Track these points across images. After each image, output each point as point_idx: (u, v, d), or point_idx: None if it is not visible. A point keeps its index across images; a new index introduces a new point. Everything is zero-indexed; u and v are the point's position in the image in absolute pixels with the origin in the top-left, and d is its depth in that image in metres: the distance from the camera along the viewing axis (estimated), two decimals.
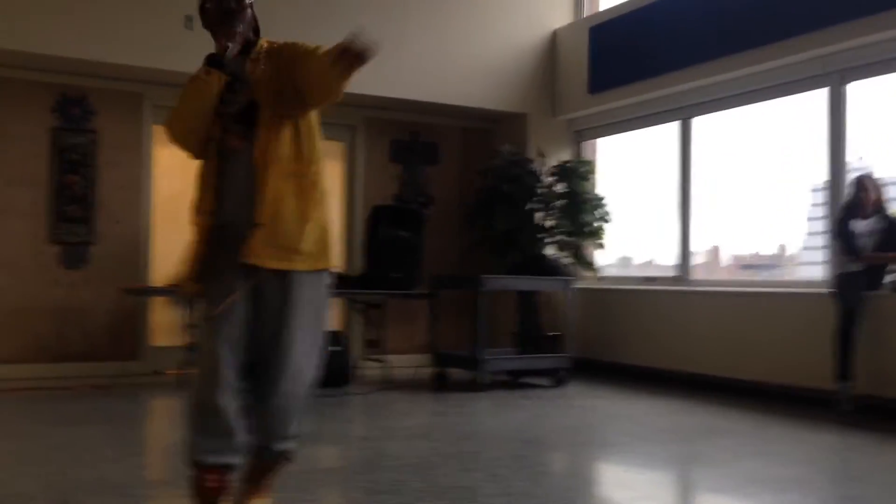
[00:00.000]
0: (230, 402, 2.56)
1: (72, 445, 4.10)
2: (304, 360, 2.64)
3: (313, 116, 2.77)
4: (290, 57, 2.70)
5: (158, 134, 7.15)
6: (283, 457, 2.73)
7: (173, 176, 7.41)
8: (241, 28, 2.69)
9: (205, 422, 2.57)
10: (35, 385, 6.04)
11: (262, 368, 2.63)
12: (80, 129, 6.81)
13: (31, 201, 6.64)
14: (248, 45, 2.74)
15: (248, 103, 2.67)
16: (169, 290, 6.46)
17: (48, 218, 6.68)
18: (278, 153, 2.63)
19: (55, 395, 5.76)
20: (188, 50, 6.54)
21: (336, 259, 2.77)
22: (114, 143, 6.92)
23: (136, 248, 6.95)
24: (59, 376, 6.43)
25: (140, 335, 6.97)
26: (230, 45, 2.63)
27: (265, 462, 2.73)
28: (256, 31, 2.80)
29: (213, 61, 2.64)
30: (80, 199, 6.78)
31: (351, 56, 2.51)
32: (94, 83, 6.85)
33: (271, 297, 2.61)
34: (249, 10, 2.76)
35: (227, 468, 2.60)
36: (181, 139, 2.72)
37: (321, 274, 2.70)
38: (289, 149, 2.66)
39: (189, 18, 6.59)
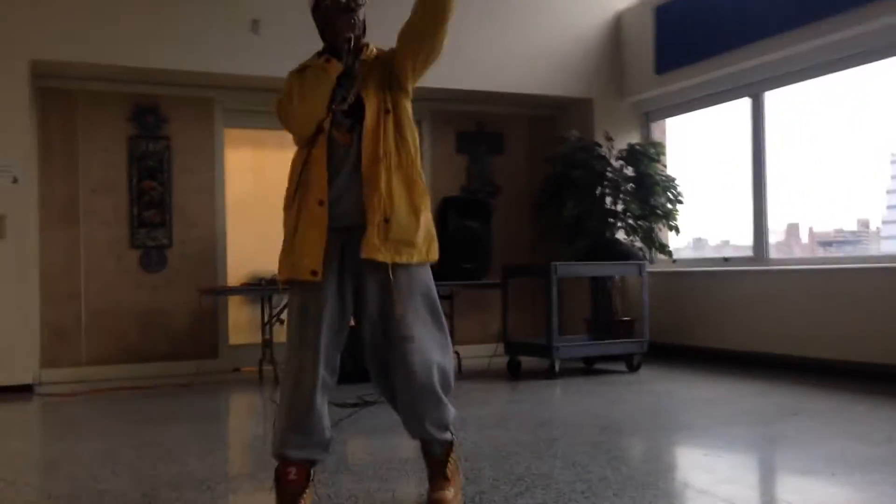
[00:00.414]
0: (321, 400, 2.65)
1: (158, 442, 4.24)
2: (429, 350, 2.69)
3: (408, 109, 2.83)
4: (397, 48, 2.79)
5: (229, 137, 7.33)
6: (441, 446, 2.79)
7: (244, 179, 7.60)
8: (356, 23, 2.80)
9: (294, 417, 2.65)
10: (122, 385, 6.27)
11: (391, 366, 2.70)
12: (154, 136, 7.03)
13: (112, 207, 6.89)
14: (359, 46, 2.83)
15: (356, 101, 2.73)
16: (246, 290, 6.62)
17: (129, 223, 6.92)
18: (386, 148, 2.70)
19: (141, 394, 5.96)
20: (255, 54, 6.74)
21: (436, 250, 2.82)
22: (187, 149, 7.12)
23: (212, 250, 7.15)
24: (144, 376, 6.67)
25: (219, 334, 7.17)
26: (351, 35, 2.74)
27: (430, 455, 2.82)
28: (364, 31, 2.90)
29: (330, 50, 2.75)
30: (158, 204, 7.00)
31: None
32: (166, 90, 7.06)
33: (383, 291, 2.66)
34: (362, 10, 2.87)
35: (310, 463, 2.71)
36: (297, 123, 2.76)
37: (428, 265, 2.78)
38: (393, 143, 2.72)
39: (255, 23, 6.74)
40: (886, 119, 5.97)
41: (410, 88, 2.86)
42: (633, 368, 6.52)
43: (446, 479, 2.81)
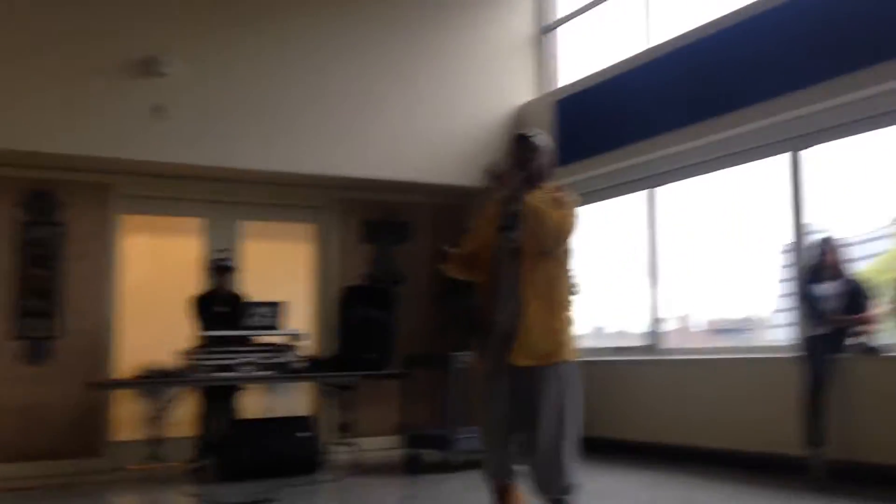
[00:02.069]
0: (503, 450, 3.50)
1: None
2: (554, 428, 3.41)
3: (564, 254, 3.58)
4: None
5: (129, 223, 7.16)
6: None
7: (143, 267, 7.41)
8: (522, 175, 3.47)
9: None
10: None
11: (527, 438, 3.44)
12: (46, 223, 6.82)
13: None
14: (531, 187, 3.46)
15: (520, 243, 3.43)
16: (134, 383, 6.37)
17: (11, 313, 6.63)
18: (536, 281, 3.43)
19: (19, 496, 5.62)
20: (155, 139, 6.65)
21: (575, 351, 3.53)
22: (81, 235, 6.92)
23: (101, 342, 6.89)
24: (22, 476, 6.28)
25: (103, 430, 6.84)
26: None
27: None
28: (542, 178, 3.52)
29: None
30: (45, 294, 6.74)
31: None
32: (62, 175, 6.89)
33: (525, 383, 3.43)
34: (540, 161, 3.52)
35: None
36: (464, 277, 3.68)
37: (560, 364, 3.46)
38: (545, 279, 3.46)
39: (157, 108, 6.66)
40: (774, 213, 6.20)
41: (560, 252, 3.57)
42: None
43: None
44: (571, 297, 3.62)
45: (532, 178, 3.47)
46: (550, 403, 3.44)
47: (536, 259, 3.44)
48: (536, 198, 3.43)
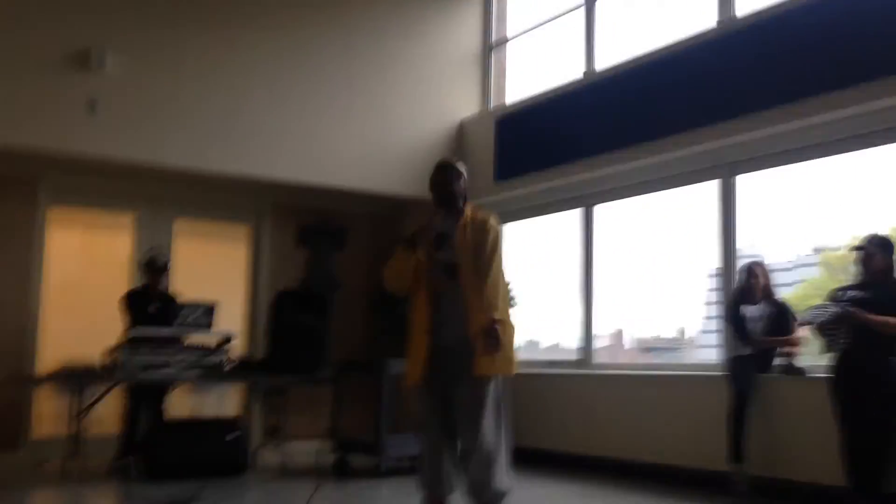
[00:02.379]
0: (441, 464, 3.80)
1: None
2: (492, 437, 3.78)
3: (501, 265, 3.89)
4: (484, 240, 3.87)
5: (54, 217, 6.96)
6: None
7: (68, 261, 7.20)
8: (438, 233, 3.88)
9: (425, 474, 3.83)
10: None
11: (463, 446, 3.78)
12: None
13: None
14: (458, 213, 3.92)
15: (454, 259, 3.81)
16: (55, 378, 6.18)
17: None
18: (480, 297, 3.72)
19: None
20: (89, 132, 6.49)
21: (515, 366, 3.88)
22: (3, 227, 6.68)
23: (24, 335, 6.66)
24: None
25: (22, 426, 6.61)
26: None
27: None
28: (465, 200, 3.97)
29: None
30: None
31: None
32: None
33: (466, 393, 3.76)
34: (462, 184, 3.99)
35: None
36: (393, 291, 4.02)
37: (499, 377, 3.84)
38: (485, 294, 3.74)
39: (92, 101, 6.50)
40: (703, 236, 6.41)
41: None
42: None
43: None
44: (511, 311, 3.93)
45: (455, 201, 3.93)
46: (490, 414, 3.77)
47: (473, 276, 3.77)
48: (464, 221, 3.87)
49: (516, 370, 3.89)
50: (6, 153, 6.46)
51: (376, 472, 6.09)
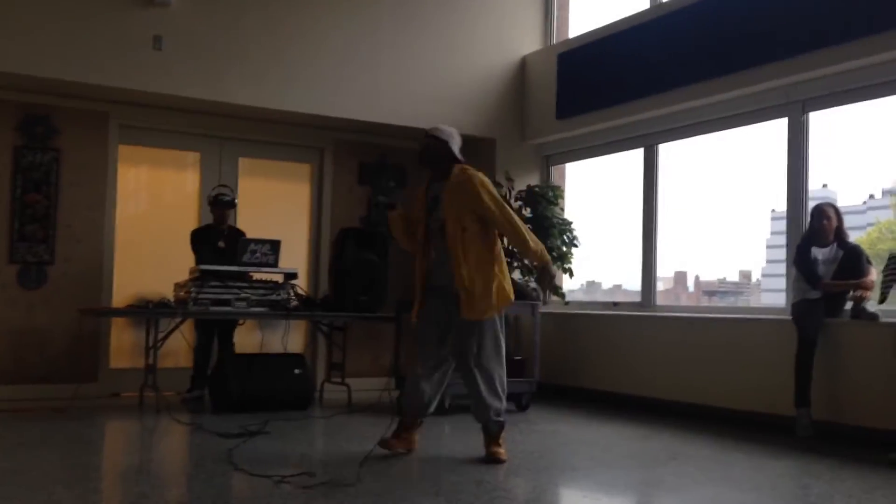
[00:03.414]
0: (425, 390, 4.53)
1: (26, 470, 4.02)
2: (492, 370, 4.44)
3: (484, 224, 4.38)
4: (478, 204, 4.32)
5: (125, 154, 7.10)
6: (497, 426, 4.52)
7: (137, 197, 7.37)
8: (398, 211, 4.69)
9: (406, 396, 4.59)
10: None
11: (467, 376, 4.45)
12: (43, 148, 6.74)
13: None
14: (446, 176, 4.38)
15: (442, 218, 4.36)
16: (131, 311, 6.39)
17: (8, 237, 6.59)
18: (466, 248, 4.29)
19: (12, 417, 5.64)
20: (156, 70, 6.57)
21: (503, 303, 4.44)
22: (77, 163, 6.85)
23: (98, 269, 6.87)
24: (16, 398, 6.32)
25: (99, 357, 6.87)
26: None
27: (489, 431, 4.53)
28: (455, 160, 4.43)
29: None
30: (41, 219, 6.70)
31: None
32: (59, 101, 6.80)
33: (467, 331, 4.40)
34: (452, 148, 4.44)
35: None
36: (402, 245, 4.70)
37: (495, 318, 4.46)
38: (471, 243, 4.30)
39: (158, 39, 6.58)
40: (769, 176, 6.28)
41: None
42: (521, 408, 6.58)
43: (499, 443, 4.52)
44: (498, 257, 4.42)
45: (441, 165, 4.40)
46: (488, 346, 4.39)
47: (459, 231, 4.27)
48: (448, 183, 4.33)
49: (508, 304, 4.47)
50: (78, 89, 6.58)
51: (440, 410, 6.19)
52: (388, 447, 4.49)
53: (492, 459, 4.41)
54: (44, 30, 6.22)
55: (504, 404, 4.52)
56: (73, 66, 6.33)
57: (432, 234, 4.43)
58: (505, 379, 4.53)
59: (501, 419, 4.51)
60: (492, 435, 4.50)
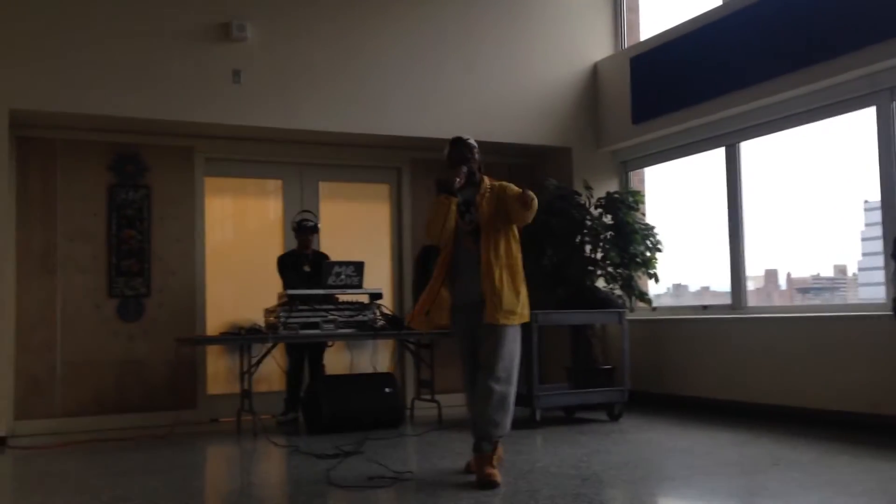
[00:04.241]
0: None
1: (132, 496, 4.16)
2: (507, 378, 4.27)
3: (514, 229, 4.40)
4: (505, 196, 4.32)
5: (210, 185, 7.33)
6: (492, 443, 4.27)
7: (224, 227, 7.59)
8: (465, 169, 4.35)
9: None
10: (97, 437, 6.17)
11: (481, 385, 4.24)
12: (134, 185, 7.02)
13: (91, 256, 6.84)
14: (477, 183, 4.42)
15: (477, 222, 4.33)
16: (224, 339, 6.57)
17: (107, 272, 6.87)
18: (497, 253, 4.27)
19: (116, 446, 5.86)
20: (236, 103, 6.78)
21: (527, 316, 4.38)
22: (167, 197, 7.11)
23: (191, 299, 7.10)
24: (119, 427, 6.58)
25: (196, 384, 7.09)
26: (458, 178, 4.29)
27: (482, 448, 4.24)
28: (480, 171, 4.47)
29: (442, 188, 4.28)
30: (137, 253, 6.97)
31: (524, 203, 4.15)
32: (146, 139, 7.07)
33: (489, 337, 4.27)
34: (476, 156, 4.47)
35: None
36: (434, 240, 4.46)
37: (517, 326, 4.36)
38: (504, 250, 4.31)
39: (237, 73, 6.79)
40: (859, 167, 6.07)
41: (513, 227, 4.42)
42: (613, 417, 6.50)
43: (493, 465, 4.23)
44: (522, 271, 4.38)
45: (474, 171, 4.39)
46: (505, 359, 4.25)
47: (493, 234, 4.27)
48: (483, 190, 4.35)
49: (525, 319, 4.37)
50: (164, 126, 6.84)
51: (531, 423, 6.18)
52: (470, 470, 4.37)
53: (486, 482, 4.07)
54: (127, 71, 6.49)
55: (510, 422, 4.32)
56: (157, 104, 6.59)
57: (462, 237, 4.39)
58: (514, 396, 4.34)
59: (501, 437, 4.32)
60: (485, 454, 4.21)
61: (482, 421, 4.21)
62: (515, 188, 4.32)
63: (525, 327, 6.23)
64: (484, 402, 4.21)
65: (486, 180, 4.45)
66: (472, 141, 4.48)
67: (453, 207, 4.29)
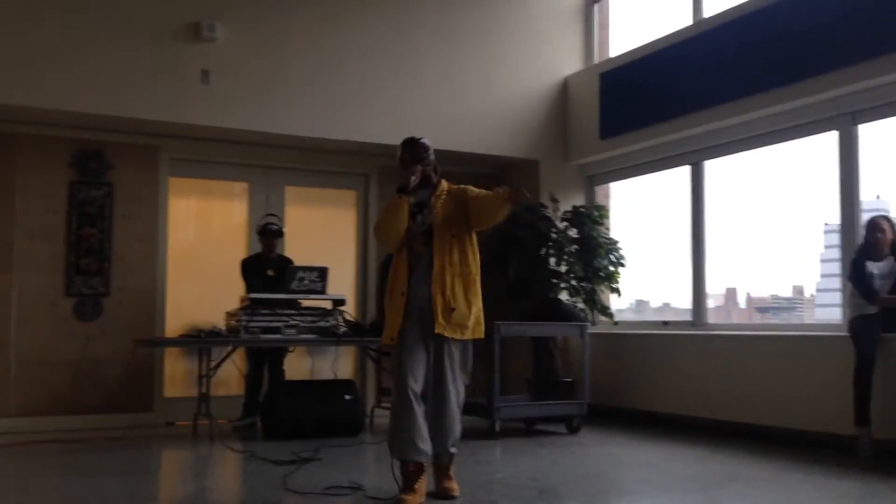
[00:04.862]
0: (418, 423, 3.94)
1: (87, 498, 4.09)
2: (461, 391, 4.10)
3: (473, 236, 4.15)
4: (466, 198, 4.11)
5: (174, 186, 7.25)
6: (449, 457, 4.14)
7: (187, 228, 7.50)
8: (420, 168, 4.07)
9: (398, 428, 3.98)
10: (50, 437, 6.05)
11: (439, 399, 4.01)
12: (97, 183, 6.91)
13: (49, 254, 6.72)
14: (432, 184, 4.15)
15: (430, 224, 4.03)
16: (184, 341, 6.49)
17: (65, 270, 6.75)
18: (451, 259, 4.01)
19: (72, 447, 5.76)
20: (204, 103, 6.72)
21: (481, 331, 4.14)
22: (130, 197, 7.02)
23: (151, 300, 7.00)
24: (74, 428, 6.45)
25: (153, 386, 6.99)
26: (412, 177, 4.00)
27: (440, 462, 4.12)
28: (437, 173, 4.22)
29: (399, 189, 4.00)
30: (96, 252, 6.86)
31: (507, 202, 3.89)
32: (111, 137, 6.97)
33: (441, 352, 4.01)
34: (431, 157, 4.19)
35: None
36: (384, 241, 4.18)
37: (472, 341, 4.14)
38: (458, 256, 4.04)
39: (205, 73, 6.73)
40: (820, 190, 6.18)
41: (472, 232, 4.18)
42: (573, 430, 6.52)
43: (451, 477, 4.14)
44: (477, 280, 4.15)
45: (429, 173, 4.15)
46: (457, 374, 4.07)
47: (448, 237, 4.03)
48: (440, 191, 4.12)
49: (477, 336, 4.14)
50: (129, 125, 6.75)
51: (491, 434, 6.18)
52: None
53: (446, 495, 4.03)
54: (94, 67, 6.39)
55: (460, 430, 4.17)
56: (123, 102, 6.50)
57: (412, 240, 4.05)
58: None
59: (455, 447, 4.17)
60: (444, 467, 4.14)
61: (440, 433, 4.03)
62: (479, 190, 4.14)
63: (487, 338, 6.28)
64: (443, 413, 4.03)
65: (444, 183, 4.22)
66: (426, 141, 4.20)
67: (406, 208, 4.01)
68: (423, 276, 3.98)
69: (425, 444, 3.93)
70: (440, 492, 4.06)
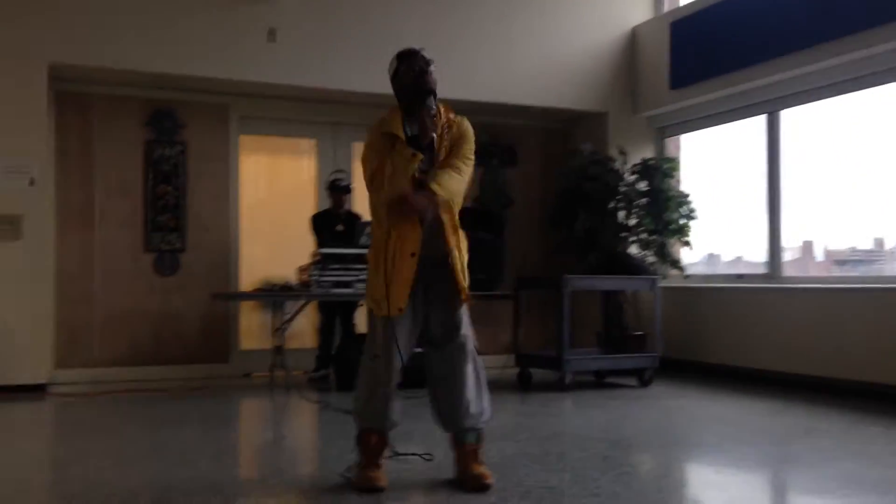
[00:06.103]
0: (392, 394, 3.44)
1: (170, 446, 4.26)
2: (477, 355, 3.48)
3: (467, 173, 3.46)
4: (454, 148, 3.37)
5: (245, 143, 7.36)
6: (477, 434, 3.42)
7: (258, 185, 7.63)
8: (433, 108, 3.31)
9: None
10: (133, 388, 6.30)
11: (454, 364, 3.41)
12: (171, 141, 7.07)
13: (128, 211, 6.92)
14: (432, 115, 3.32)
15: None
16: (258, 295, 6.64)
17: (144, 227, 6.95)
18: (450, 208, 3.36)
19: (153, 397, 5.98)
20: (271, 62, 6.77)
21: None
22: (202, 155, 7.16)
23: (225, 255, 7.18)
24: (155, 379, 6.70)
25: (230, 339, 7.19)
26: (434, 136, 3.29)
27: (464, 442, 3.41)
28: (435, 97, 3.36)
29: (413, 140, 3.27)
30: (173, 209, 7.04)
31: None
32: (182, 96, 7.10)
33: (455, 307, 3.42)
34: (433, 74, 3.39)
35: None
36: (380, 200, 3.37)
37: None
38: (453, 212, 3.40)
39: (272, 32, 6.78)
40: None
41: None
42: (644, 383, 6.50)
43: (481, 461, 3.40)
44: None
45: (435, 97, 3.34)
46: (469, 333, 3.47)
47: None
48: (441, 124, 3.35)
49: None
50: (200, 84, 6.86)
51: (560, 386, 6.20)
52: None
53: (478, 484, 3.26)
54: (165, 28, 6.51)
55: (490, 404, 3.48)
56: (194, 62, 6.61)
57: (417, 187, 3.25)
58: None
59: (486, 423, 3.46)
60: (469, 447, 3.38)
61: (462, 408, 3.37)
62: (457, 155, 3.35)
63: (556, 291, 6.28)
64: (461, 382, 3.38)
65: (444, 111, 3.41)
66: (427, 53, 3.47)
67: (416, 164, 3.25)
68: (432, 230, 3.32)
69: (393, 415, 3.46)
70: (471, 477, 3.29)
